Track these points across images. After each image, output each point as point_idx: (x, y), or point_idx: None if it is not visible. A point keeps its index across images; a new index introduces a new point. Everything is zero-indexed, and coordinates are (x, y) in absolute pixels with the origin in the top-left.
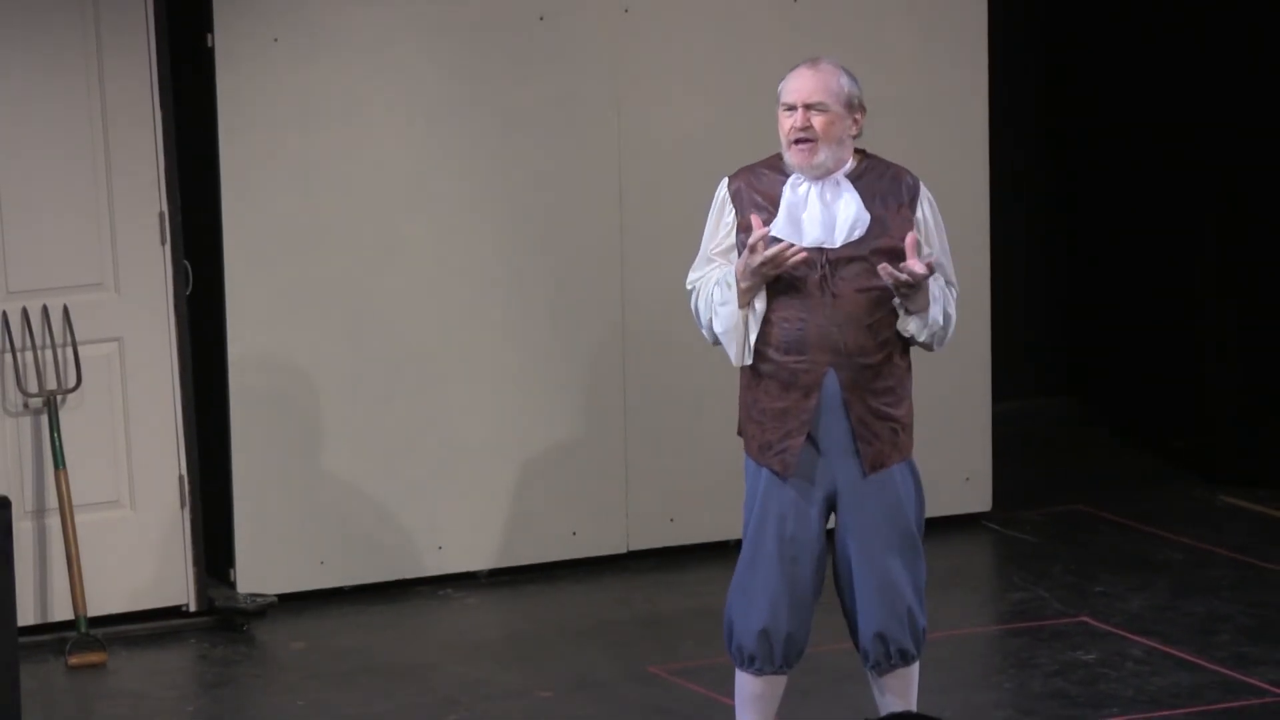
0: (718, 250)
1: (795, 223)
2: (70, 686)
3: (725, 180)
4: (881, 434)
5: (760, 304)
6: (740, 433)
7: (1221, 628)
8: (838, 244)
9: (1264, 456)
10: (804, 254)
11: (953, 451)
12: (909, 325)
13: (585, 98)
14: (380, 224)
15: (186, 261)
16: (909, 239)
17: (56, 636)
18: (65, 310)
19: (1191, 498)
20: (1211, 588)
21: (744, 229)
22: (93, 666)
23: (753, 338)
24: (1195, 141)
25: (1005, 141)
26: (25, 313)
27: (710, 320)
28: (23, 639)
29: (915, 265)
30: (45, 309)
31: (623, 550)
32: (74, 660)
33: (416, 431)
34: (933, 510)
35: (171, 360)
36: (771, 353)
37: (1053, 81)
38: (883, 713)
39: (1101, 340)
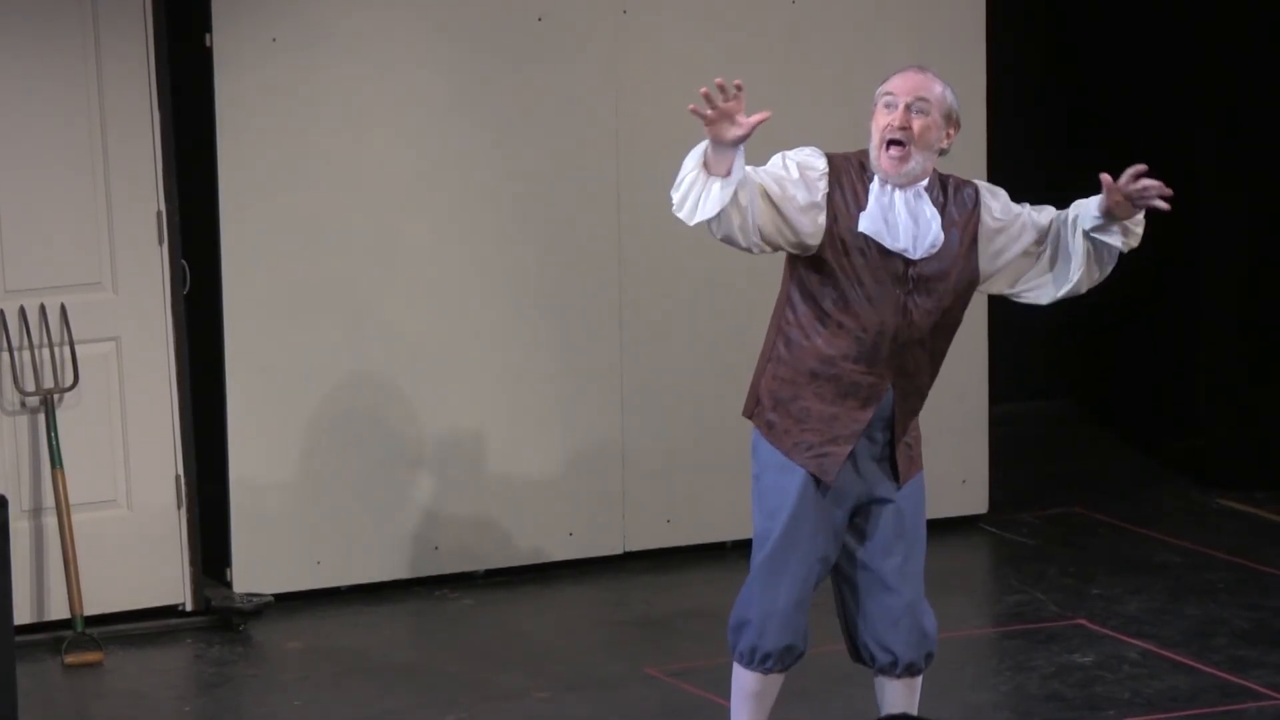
0: (775, 173)
1: (887, 222)
2: (67, 686)
3: (819, 151)
4: (904, 452)
5: (728, 191)
6: (750, 415)
7: (1218, 630)
8: (919, 255)
9: (1261, 459)
10: (764, 115)
11: (950, 454)
12: (1119, 237)
13: (583, 98)
14: (378, 224)
15: (184, 261)
16: (1105, 178)
17: (53, 636)
18: (63, 309)
19: (1188, 500)
20: (1208, 590)
21: (833, 212)
22: (89, 666)
23: (714, 203)
24: (1194, 142)
25: (1002, 142)
26: (23, 311)
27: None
28: (19, 638)
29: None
30: (43, 308)
31: (620, 551)
32: (70, 659)
33: (413, 431)
34: (930, 512)
35: (169, 360)
36: (838, 358)
37: (1050, 82)
38: (883, 713)
39: (1098, 343)
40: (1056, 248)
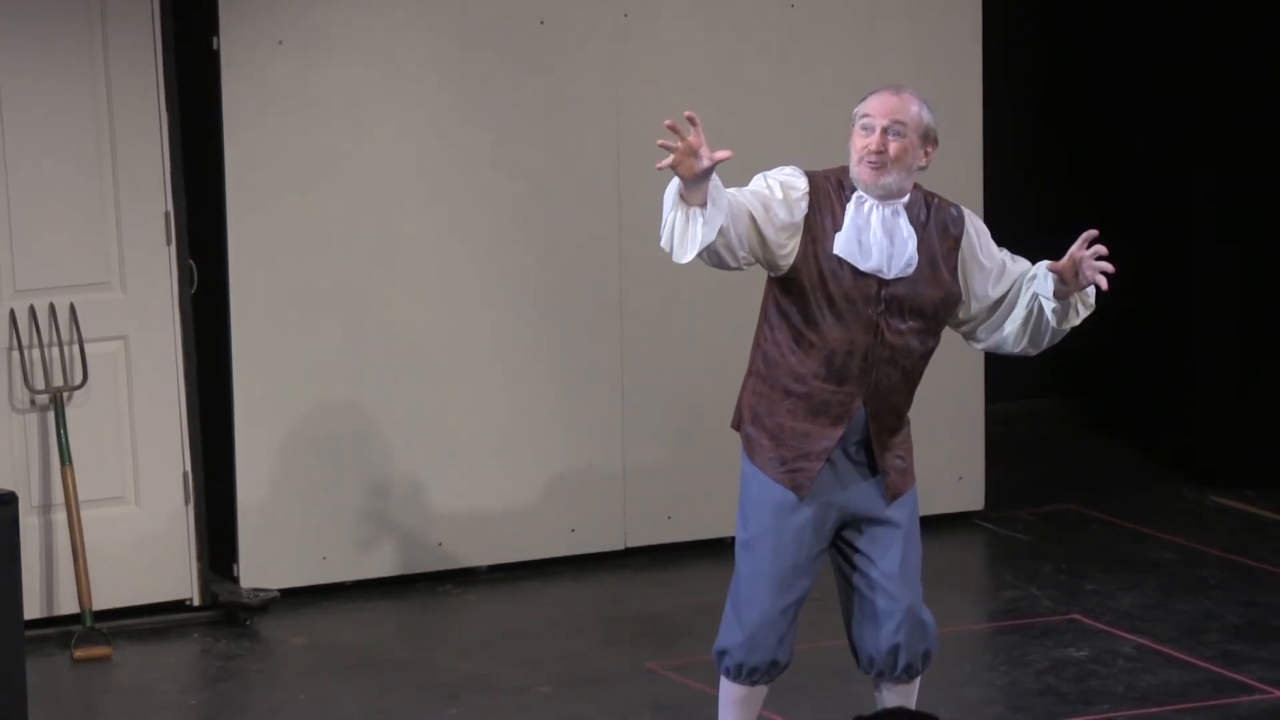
0: (760, 193)
1: (860, 244)
2: (75, 680)
3: (799, 170)
4: (895, 466)
5: (715, 222)
6: (736, 428)
7: (1211, 626)
8: (892, 275)
9: (1253, 457)
10: (726, 154)
11: (946, 451)
12: (1072, 316)
13: (585, 101)
14: (382, 224)
15: (191, 261)
16: (1077, 253)
17: (62, 630)
18: (72, 308)
19: (1182, 497)
20: (1201, 586)
21: (809, 231)
22: (97, 660)
23: (698, 238)
24: (1189, 148)
25: (999, 146)
26: (33, 311)
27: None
28: (28, 633)
29: (1084, 265)
30: (52, 307)
31: (620, 547)
32: (79, 654)
33: (417, 429)
34: (926, 509)
35: (176, 358)
36: (809, 376)
37: (1046, 87)
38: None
39: (1094, 342)
40: (1012, 301)
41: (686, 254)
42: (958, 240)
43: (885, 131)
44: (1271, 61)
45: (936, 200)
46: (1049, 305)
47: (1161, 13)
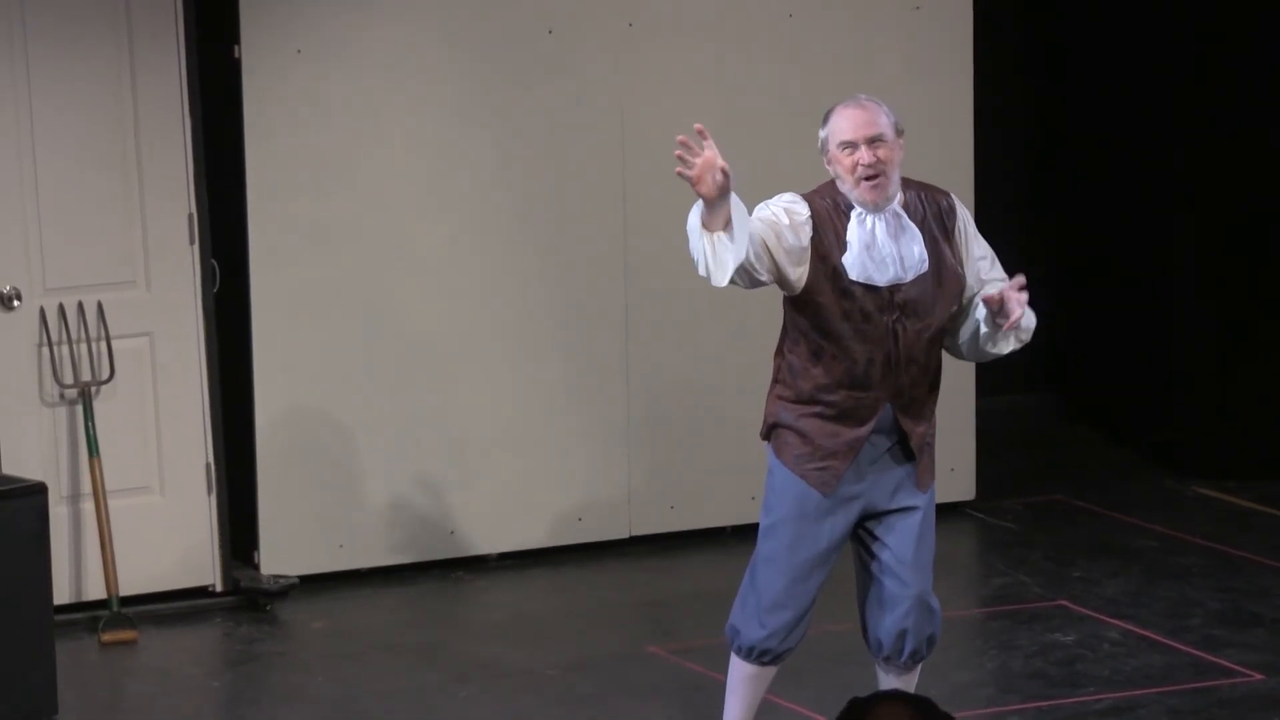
0: (768, 219)
1: (873, 260)
2: (102, 663)
3: (798, 196)
4: (927, 453)
5: (742, 239)
6: (765, 437)
7: (1192, 611)
8: (909, 279)
9: (1233, 450)
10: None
11: (939, 443)
12: (1004, 344)
13: (590, 106)
14: (395, 225)
15: (214, 260)
16: (1008, 292)
17: (90, 615)
18: (99, 306)
19: (1165, 488)
20: (1183, 574)
21: (818, 254)
22: (124, 644)
23: (729, 258)
24: (1174, 148)
25: (990, 151)
26: (62, 308)
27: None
28: (58, 617)
29: (1011, 303)
30: (80, 305)
31: (625, 536)
32: (106, 638)
33: (430, 422)
34: None
35: (199, 354)
36: (833, 386)
37: (1035, 93)
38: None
39: (1082, 340)
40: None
41: (724, 275)
42: (954, 227)
43: (871, 145)
44: (1272, 61)
45: (925, 192)
46: (984, 330)
47: (1161, 13)
